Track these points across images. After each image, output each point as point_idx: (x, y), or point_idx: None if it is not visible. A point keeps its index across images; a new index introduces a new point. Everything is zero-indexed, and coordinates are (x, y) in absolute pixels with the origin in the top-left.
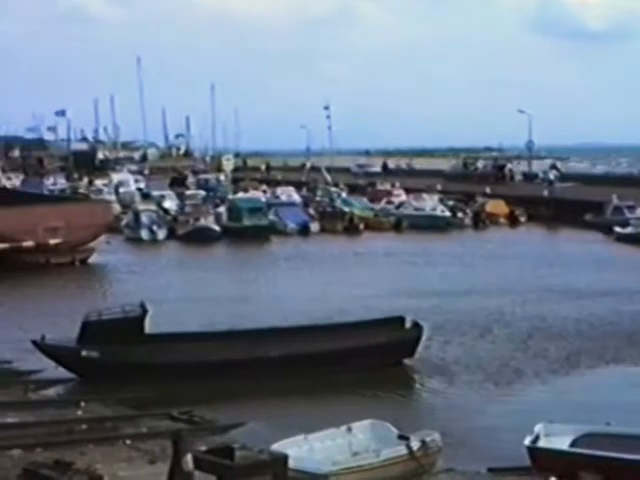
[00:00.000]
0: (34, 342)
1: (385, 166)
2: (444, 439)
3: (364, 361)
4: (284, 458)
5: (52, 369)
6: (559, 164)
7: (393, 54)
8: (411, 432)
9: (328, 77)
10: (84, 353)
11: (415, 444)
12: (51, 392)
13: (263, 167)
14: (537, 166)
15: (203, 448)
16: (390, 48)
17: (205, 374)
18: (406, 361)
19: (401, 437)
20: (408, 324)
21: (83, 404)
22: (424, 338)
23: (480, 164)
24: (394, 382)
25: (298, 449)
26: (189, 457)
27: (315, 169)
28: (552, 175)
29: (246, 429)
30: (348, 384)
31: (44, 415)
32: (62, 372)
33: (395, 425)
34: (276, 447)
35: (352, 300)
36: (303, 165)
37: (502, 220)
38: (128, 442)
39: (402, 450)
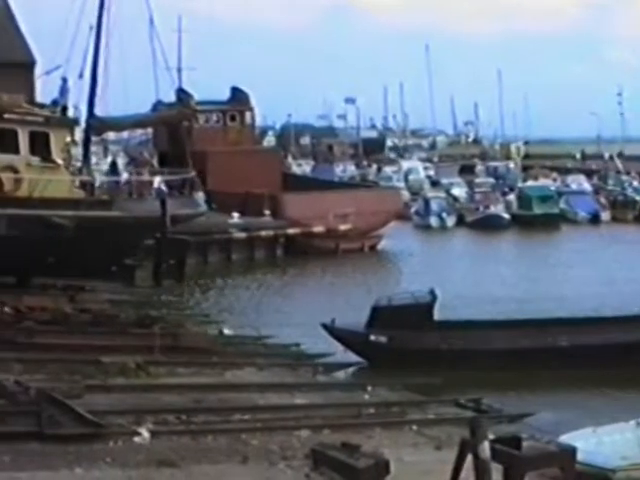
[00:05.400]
0: (324, 325)
1: None
2: None
3: None
4: (572, 451)
5: (341, 353)
6: None
7: None
8: None
9: (616, 62)
10: (373, 338)
11: None
12: (339, 375)
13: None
14: None
15: (491, 437)
16: None
17: (493, 362)
18: None
19: None
20: None
21: (370, 388)
22: None
23: None
24: None
25: (586, 442)
26: (486, 445)
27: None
28: None
29: (534, 419)
30: (638, 377)
31: (332, 397)
32: (350, 356)
33: None
34: (564, 439)
35: None
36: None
37: None
38: (414, 427)
39: None
